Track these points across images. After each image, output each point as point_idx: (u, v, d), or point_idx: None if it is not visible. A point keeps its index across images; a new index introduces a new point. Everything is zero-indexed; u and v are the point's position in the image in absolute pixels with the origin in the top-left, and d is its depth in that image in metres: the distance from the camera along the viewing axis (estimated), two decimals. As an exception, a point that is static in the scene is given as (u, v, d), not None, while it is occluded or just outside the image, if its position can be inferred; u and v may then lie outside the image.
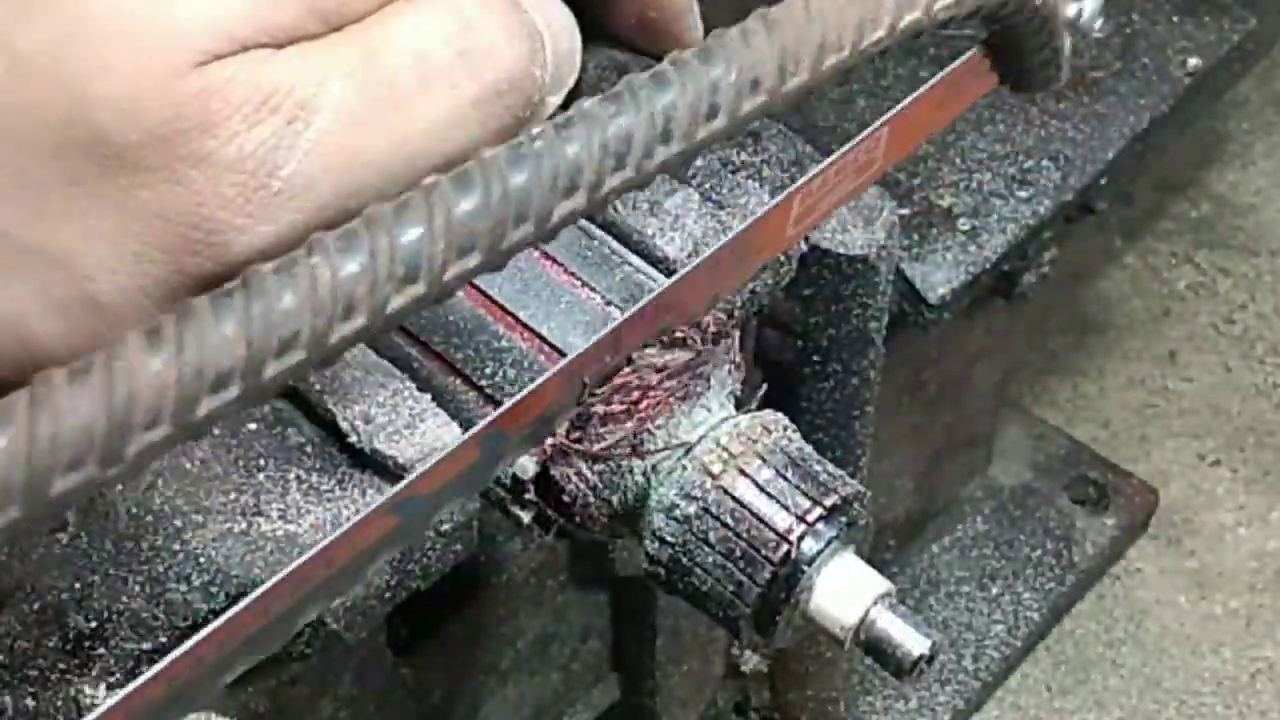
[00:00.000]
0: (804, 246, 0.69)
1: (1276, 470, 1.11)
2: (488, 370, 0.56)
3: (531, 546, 0.74)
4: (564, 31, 0.51)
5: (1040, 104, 0.86)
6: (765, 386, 0.66)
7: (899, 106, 0.58)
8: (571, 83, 0.53)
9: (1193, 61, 0.88)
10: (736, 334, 0.58)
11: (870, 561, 1.01)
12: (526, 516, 0.58)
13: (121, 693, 0.46)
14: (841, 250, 0.69)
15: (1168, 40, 0.89)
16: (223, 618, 0.47)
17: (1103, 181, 0.85)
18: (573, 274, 0.57)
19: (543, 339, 0.56)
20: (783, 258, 0.68)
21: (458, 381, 0.57)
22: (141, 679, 0.45)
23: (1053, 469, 1.07)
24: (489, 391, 0.56)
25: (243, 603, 0.47)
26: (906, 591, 1.02)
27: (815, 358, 0.73)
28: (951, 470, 1.02)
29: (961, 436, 1.00)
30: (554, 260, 0.58)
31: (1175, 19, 0.90)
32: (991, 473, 1.06)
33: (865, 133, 0.57)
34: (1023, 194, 0.82)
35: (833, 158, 0.56)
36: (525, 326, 0.56)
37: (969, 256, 0.80)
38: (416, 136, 0.47)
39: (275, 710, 0.63)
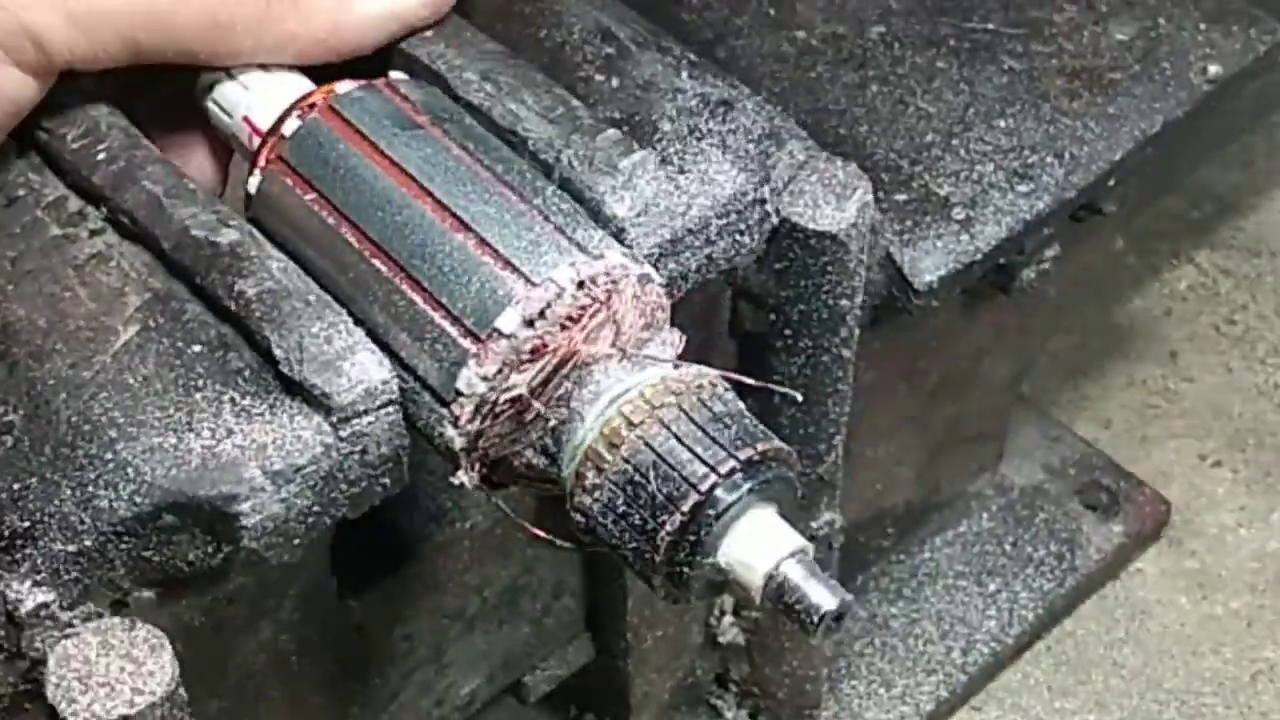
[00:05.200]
0: (775, 220, 0.70)
1: (1278, 471, 1.10)
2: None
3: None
4: None
5: (1053, 101, 0.86)
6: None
7: None
8: None
9: (1213, 69, 0.88)
10: (664, 297, 0.59)
11: (866, 546, 1.02)
12: (469, 480, 0.59)
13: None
14: (811, 226, 0.70)
15: (1190, 46, 0.88)
16: None
17: (1110, 183, 0.85)
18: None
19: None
20: (754, 231, 0.69)
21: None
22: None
23: (1066, 472, 1.07)
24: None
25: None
26: (904, 581, 1.02)
27: (786, 332, 0.74)
28: (958, 464, 1.02)
29: (968, 431, 1.00)
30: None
31: (1203, 26, 0.90)
32: (1003, 471, 1.06)
33: None
34: (1023, 188, 0.82)
35: None
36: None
37: (960, 246, 0.80)
38: None
39: (212, 626, 0.65)
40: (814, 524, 0.83)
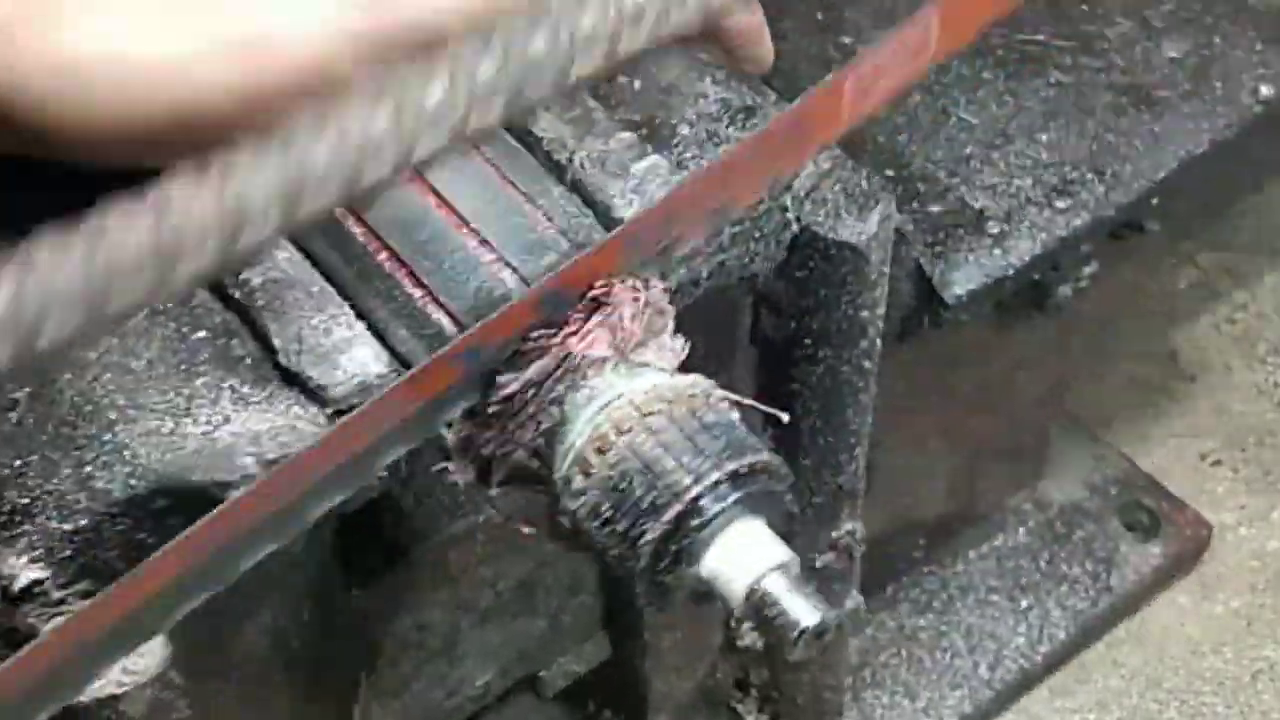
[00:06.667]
0: (796, 228, 0.70)
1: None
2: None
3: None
4: None
5: (1099, 116, 0.85)
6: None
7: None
8: None
9: (1265, 90, 0.86)
10: (665, 303, 0.59)
11: (896, 557, 1.01)
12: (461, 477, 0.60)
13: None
14: (831, 236, 0.69)
15: (1244, 67, 0.87)
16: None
17: (1154, 201, 0.84)
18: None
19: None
20: (772, 239, 0.69)
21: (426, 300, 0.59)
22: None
23: (1107, 491, 1.06)
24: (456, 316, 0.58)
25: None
26: (934, 593, 1.01)
27: (807, 341, 0.74)
28: (993, 479, 1.01)
29: (1003, 445, 0.99)
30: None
31: (1259, 46, 0.88)
32: (1043, 487, 1.05)
33: (914, 16, 0.58)
34: (1060, 204, 0.81)
35: (883, 42, 0.58)
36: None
37: (993, 261, 0.79)
38: None
39: (209, 612, 0.65)
40: (834, 533, 0.82)
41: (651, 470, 0.55)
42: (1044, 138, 0.84)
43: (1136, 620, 1.04)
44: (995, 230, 0.80)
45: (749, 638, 0.90)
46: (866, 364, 0.75)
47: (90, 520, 0.57)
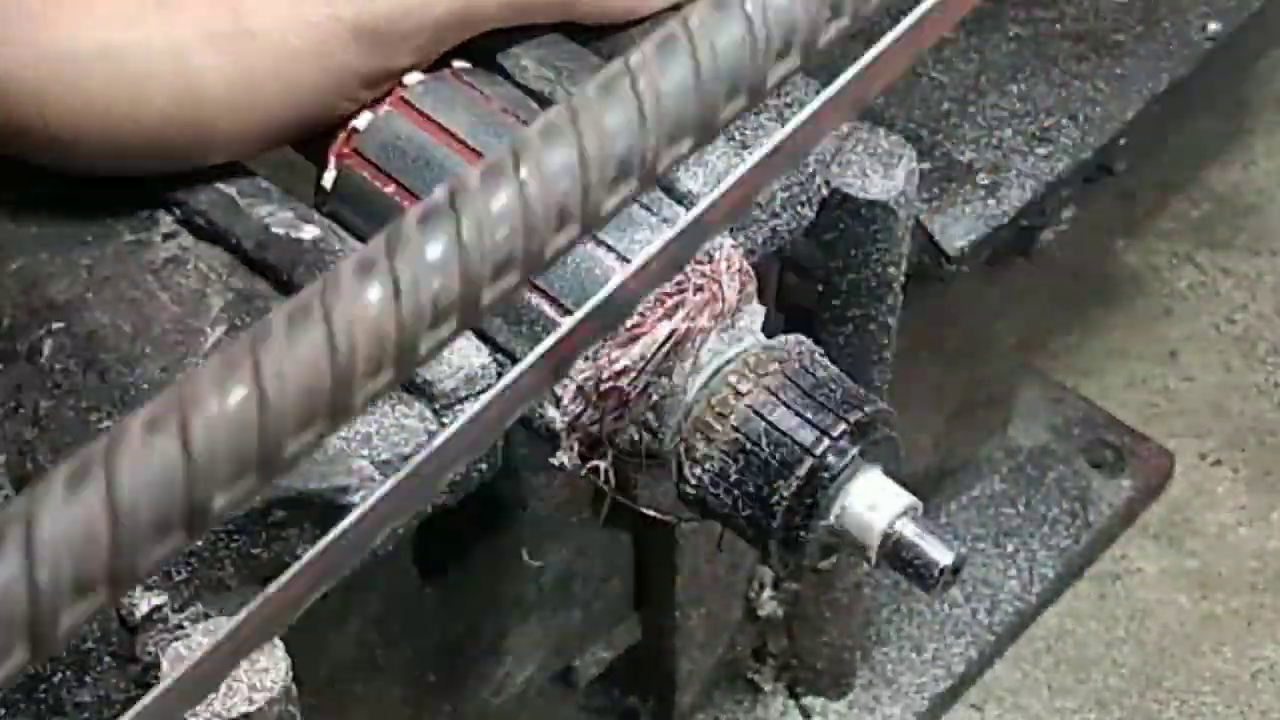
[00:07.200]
0: (825, 191, 0.71)
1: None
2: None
3: (555, 481, 0.76)
4: None
5: (1061, 65, 0.87)
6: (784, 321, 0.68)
7: None
8: None
9: (1213, 26, 0.89)
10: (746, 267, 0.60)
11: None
12: (566, 458, 0.60)
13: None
14: (862, 195, 0.71)
15: (1190, 5, 0.90)
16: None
17: (1122, 142, 0.87)
18: None
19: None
20: (808, 202, 0.70)
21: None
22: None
23: (1070, 432, 1.09)
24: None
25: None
26: (923, 547, 1.03)
27: (835, 302, 0.75)
28: (970, 429, 1.03)
29: (980, 396, 1.01)
30: None
31: (1200, -16, 0.92)
32: (1010, 434, 1.08)
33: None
34: (1042, 151, 0.84)
35: None
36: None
37: (988, 210, 0.81)
38: None
39: (306, 622, 0.65)
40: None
41: (777, 429, 0.56)
42: (1014, 89, 0.86)
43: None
44: (986, 181, 0.82)
45: (768, 607, 0.91)
46: (891, 320, 0.77)
47: (206, 541, 0.57)
